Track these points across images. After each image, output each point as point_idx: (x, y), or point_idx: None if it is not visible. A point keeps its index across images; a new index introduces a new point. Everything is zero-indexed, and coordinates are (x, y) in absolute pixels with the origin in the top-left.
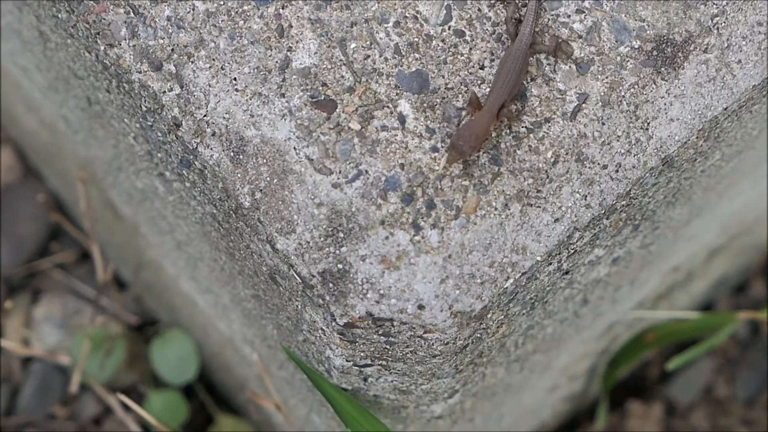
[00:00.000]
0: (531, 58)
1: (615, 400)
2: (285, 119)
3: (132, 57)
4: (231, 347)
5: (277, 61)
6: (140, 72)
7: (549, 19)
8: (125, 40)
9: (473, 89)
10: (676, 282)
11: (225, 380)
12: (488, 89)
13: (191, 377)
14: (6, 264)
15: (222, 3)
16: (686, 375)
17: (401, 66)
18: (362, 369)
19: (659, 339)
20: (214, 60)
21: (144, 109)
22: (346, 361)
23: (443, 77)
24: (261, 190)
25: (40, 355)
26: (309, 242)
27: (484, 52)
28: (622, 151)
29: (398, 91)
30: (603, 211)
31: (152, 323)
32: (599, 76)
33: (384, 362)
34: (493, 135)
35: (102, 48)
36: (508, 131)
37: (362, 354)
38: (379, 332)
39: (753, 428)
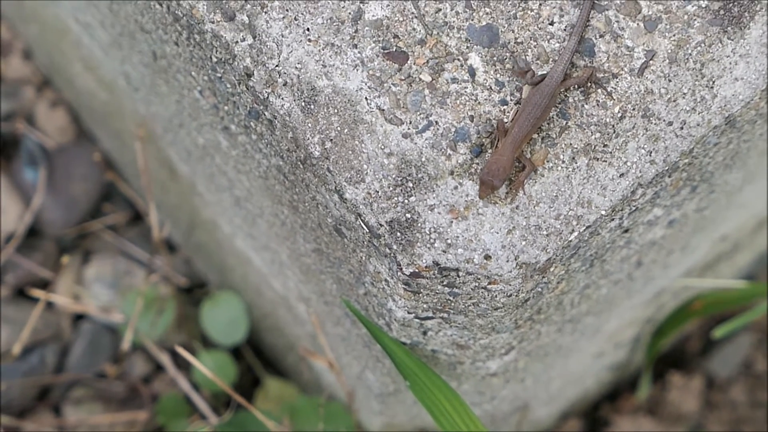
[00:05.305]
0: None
1: (656, 373)
2: (357, 70)
3: (205, 7)
4: (284, 306)
5: (350, 13)
6: (213, 22)
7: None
8: None
9: (501, 118)
10: (723, 252)
11: (274, 342)
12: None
13: (241, 338)
14: (58, 224)
15: None
16: (726, 349)
17: (472, 20)
18: (423, 321)
19: (706, 307)
20: (287, 11)
21: (214, 60)
22: (408, 313)
23: (513, 32)
24: (331, 139)
25: (92, 312)
26: (378, 191)
27: (554, 8)
28: (687, 108)
29: (468, 45)
30: (666, 168)
31: (201, 286)
32: (666, 34)
33: (445, 314)
34: (516, 165)
35: None
36: (575, 87)
37: (425, 306)
38: (444, 282)
39: None
